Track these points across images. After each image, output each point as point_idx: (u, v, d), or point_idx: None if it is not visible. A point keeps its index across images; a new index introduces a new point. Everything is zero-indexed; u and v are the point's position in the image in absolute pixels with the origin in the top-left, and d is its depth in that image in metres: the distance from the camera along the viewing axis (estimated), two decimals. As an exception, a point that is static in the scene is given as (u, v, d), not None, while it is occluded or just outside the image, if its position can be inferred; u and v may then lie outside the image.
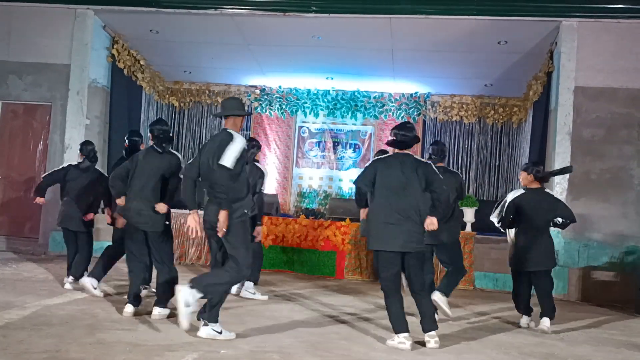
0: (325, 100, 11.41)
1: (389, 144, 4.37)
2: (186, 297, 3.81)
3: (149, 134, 4.78)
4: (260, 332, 4.25)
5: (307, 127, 11.65)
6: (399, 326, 4.03)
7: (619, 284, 7.07)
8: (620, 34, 7.47)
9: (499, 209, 5.18)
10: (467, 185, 11.24)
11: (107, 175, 5.87)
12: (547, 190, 5.26)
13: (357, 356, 3.80)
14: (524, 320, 5.14)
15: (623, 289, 7.00)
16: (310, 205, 11.10)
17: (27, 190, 8.42)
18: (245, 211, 4.08)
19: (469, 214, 7.78)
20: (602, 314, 6.24)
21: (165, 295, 4.51)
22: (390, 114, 11.32)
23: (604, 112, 7.48)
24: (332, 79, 10.81)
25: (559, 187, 7.40)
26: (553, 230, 7.44)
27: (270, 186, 11.04)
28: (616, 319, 5.96)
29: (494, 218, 5.20)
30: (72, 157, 8.00)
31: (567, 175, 7.42)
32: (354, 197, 6.16)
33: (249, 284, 5.67)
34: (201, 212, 4.16)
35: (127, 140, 5.63)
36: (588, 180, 7.43)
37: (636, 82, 7.43)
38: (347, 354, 3.83)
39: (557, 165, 7.47)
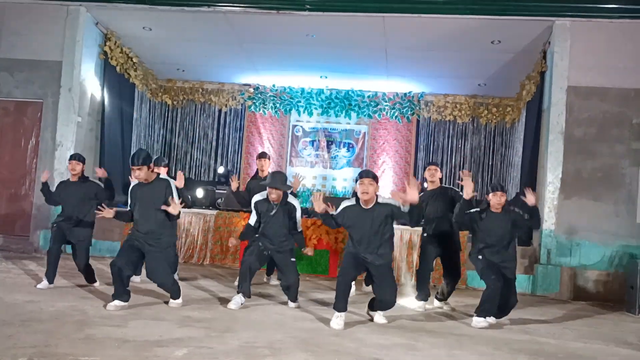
0: (319, 99, 11.41)
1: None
2: None
3: None
4: (251, 328, 4.24)
5: (301, 126, 11.64)
6: None
7: (610, 283, 7.11)
8: (613, 34, 7.51)
9: None
10: (459, 185, 11.25)
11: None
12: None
13: (347, 351, 3.78)
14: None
15: (614, 288, 7.04)
16: (304, 204, 11.08)
17: (18, 188, 8.37)
18: None
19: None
20: (593, 312, 6.26)
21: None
22: (384, 113, 11.34)
23: (596, 111, 7.51)
24: (326, 77, 10.81)
25: (551, 187, 7.42)
26: (545, 229, 7.51)
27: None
28: (607, 317, 5.99)
29: None
30: (63, 155, 7.97)
31: (560, 174, 7.46)
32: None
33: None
34: None
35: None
36: (580, 179, 7.45)
37: (628, 81, 7.46)
38: (338, 349, 3.82)
39: (550, 165, 7.51)
